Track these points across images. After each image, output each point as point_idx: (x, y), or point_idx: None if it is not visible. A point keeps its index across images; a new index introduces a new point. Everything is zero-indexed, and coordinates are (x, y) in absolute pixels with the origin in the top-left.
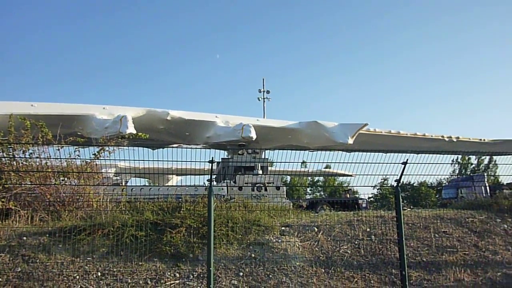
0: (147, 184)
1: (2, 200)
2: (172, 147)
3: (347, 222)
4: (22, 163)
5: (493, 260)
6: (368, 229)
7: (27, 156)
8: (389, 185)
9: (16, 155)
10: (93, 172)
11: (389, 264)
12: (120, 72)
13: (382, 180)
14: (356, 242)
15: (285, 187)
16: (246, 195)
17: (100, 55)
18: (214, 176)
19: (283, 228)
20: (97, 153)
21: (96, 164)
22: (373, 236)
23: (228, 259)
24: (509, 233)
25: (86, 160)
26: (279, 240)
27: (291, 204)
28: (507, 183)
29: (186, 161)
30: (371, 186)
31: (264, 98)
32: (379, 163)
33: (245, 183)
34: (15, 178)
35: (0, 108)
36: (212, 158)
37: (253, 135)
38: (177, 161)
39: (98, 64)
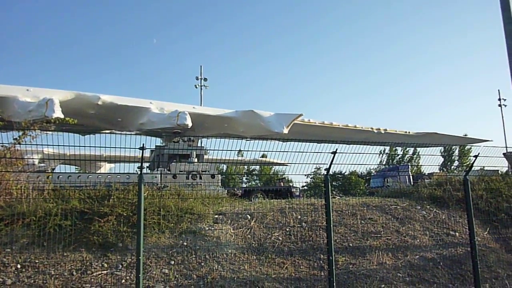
0: (75, 171)
1: None
2: (104, 133)
3: (279, 210)
4: None
5: (412, 244)
6: (299, 217)
7: None
8: (321, 174)
9: None
10: (13, 158)
11: (318, 250)
12: (53, 56)
13: (315, 170)
14: (287, 229)
15: (220, 176)
16: (181, 183)
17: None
18: (147, 164)
19: (216, 216)
20: (18, 138)
21: (17, 150)
22: (303, 223)
23: (160, 247)
24: (427, 219)
25: (6, 144)
26: (212, 228)
27: (226, 192)
28: (428, 173)
29: (116, 148)
30: (304, 175)
31: (201, 86)
32: (312, 152)
33: (180, 171)
34: None
35: None
36: (143, 144)
37: (189, 122)
38: (108, 147)
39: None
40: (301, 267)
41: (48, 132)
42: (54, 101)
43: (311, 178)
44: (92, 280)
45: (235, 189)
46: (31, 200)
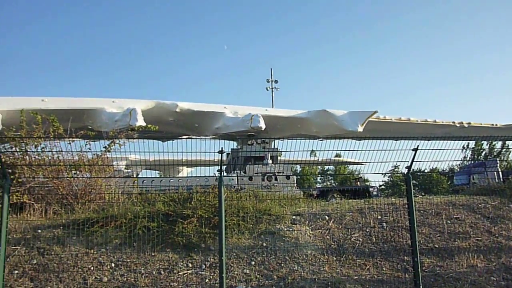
0: (157, 176)
1: (17, 194)
2: (182, 139)
3: (358, 210)
4: (34, 157)
5: (507, 246)
6: (379, 217)
7: (39, 150)
8: (400, 172)
9: (28, 150)
10: (104, 165)
11: (401, 251)
12: (130, 69)
13: (393, 168)
14: (367, 230)
15: (295, 176)
16: (256, 185)
17: (104, 49)
18: (224, 167)
19: (294, 217)
20: (108, 146)
21: (107, 157)
22: (384, 224)
23: (240, 248)
24: None
25: (97, 153)
26: (290, 229)
27: (302, 193)
28: None
29: (196, 152)
30: (382, 174)
31: (272, 88)
32: (389, 150)
33: (255, 173)
34: (28, 172)
35: (11, 104)
36: (222, 148)
37: (262, 125)
38: (187, 152)
39: (98, 57)
40: (384, 269)
41: (132, 140)
42: (137, 111)
43: (388, 177)
44: (179, 279)
45: (311, 189)
46: (120, 204)
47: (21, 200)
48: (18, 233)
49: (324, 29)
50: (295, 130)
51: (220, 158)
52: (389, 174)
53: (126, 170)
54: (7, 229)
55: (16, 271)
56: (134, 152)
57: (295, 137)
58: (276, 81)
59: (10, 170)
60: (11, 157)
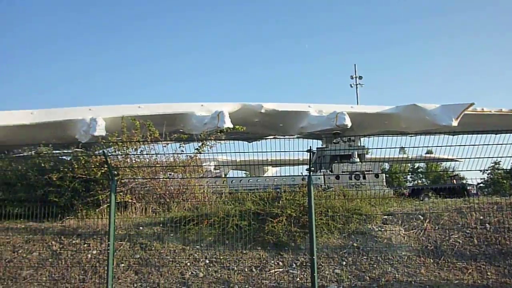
0: (244, 175)
1: (120, 194)
2: (267, 139)
3: (456, 209)
4: (134, 160)
5: None
6: (481, 217)
7: (138, 153)
8: (502, 168)
9: (129, 153)
10: (196, 166)
11: (509, 255)
12: (214, 73)
13: (493, 164)
14: (467, 231)
15: (384, 175)
16: (344, 183)
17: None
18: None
19: (385, 216)
20: (199, 148)
21: (198, 158)
22: (487, 225)
23: (330, 248)
24: None
25: (190, 154)
26: (382, 229)
27: (392, 192)
28: None
29: (283, 152)
30: (480, 171)
31: (356, 85)
32: (489, 144)
33: (342, 172)
34: (130, 174)
35: (113, 111)
36: (310, 147)
37: (348, 122)
38: (274, 152)
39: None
40: (488, 273)
41: (220, 141)
42: (224, 113)
43: (488, 174)
44: (270, 277)
45: (402, 188)
46: (212, 203)
47: (124, 199)
48: (122, 230)
49: (406, 18)
50: (383, 126)
51: (308, 157)
52: (489, 171)
53: (215, 171)
54: (115, 226)
55: (122, 264)
56: (223, 153)
57: (383, 134)
58: (360, 77)
59: (115, 172)
60: (114, 160)
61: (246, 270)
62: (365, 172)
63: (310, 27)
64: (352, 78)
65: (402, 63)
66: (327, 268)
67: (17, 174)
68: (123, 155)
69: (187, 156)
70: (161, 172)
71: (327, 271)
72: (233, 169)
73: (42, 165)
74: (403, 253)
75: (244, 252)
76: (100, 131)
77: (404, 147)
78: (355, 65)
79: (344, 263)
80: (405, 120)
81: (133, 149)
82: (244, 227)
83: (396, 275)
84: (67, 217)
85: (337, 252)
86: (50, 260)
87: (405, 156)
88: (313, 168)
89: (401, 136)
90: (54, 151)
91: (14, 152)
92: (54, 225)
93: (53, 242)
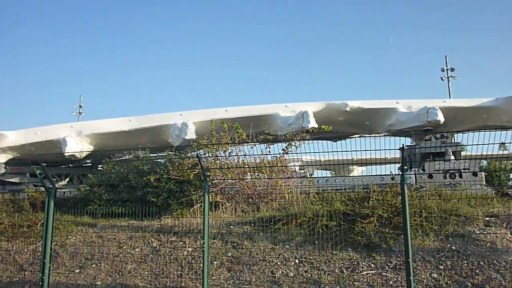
0: (329, 175)
1: (211, 194)
2: (353, 138)
3: None
4: (224, 161)
5: None
6: None
7: (227, 155)
8: None
9: (218, 155)
10: (282, 166)
11: None
12: (297, 71)
13: None
14: None
15: (483, 173)
16: (438, 183)
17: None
18: (398, 165)
19: (487, 218)
20: (285, 148)
21: (285, 159)
22: None
23: (425, 250)
24: None
25: (276, 155)
26: (484, 232)
27: (493, 191)
28: None
29: (372, 150)
30: None
31: (448, 77)
32: None
33: (435, 171)
34: (220, 175)
35: (201, 116)
36: (403, 145)
37: (441, 118)
38: (363, 150)
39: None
40: None
41: (305, 141)
42: (309, 113)
43: None
44: (361, 279)
45: (505, 187)
46: (300, 203)
47: (215, 200)
48: (214, 228)
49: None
50: (480, 121)
51: (401, 156)
52: None
53: (301, 171)
54: (209, 224)
55: (215, 262)
56: (309, 153)
57: (480, 128)
58: (452, 69)
59: (207, 173)
60: (205, 162)
61: (337, 271)
62: (462, 170)
63: (393, 20)
64: (443, 70)
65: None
66: (423, 272)
67: (120, 176)
68: (213, 157)
69: (273, 156)
70: (249, 173)
71: (423, 275)
72: (318, 169)
73: (141, 167)
74: (509, 258)
75: (334, 253)
76: (191, 134)
77: (505, 143)
78: (446, 56)
79: (441, 267)
80: (507, 113)
81: (222, 151)
82: (333, 227)
83: (503, 282)
84: (164, 216)
85: (433, 255)
86: (150, 256)
87: (507, 152)
88: (406, 167)
89: (502, 131)
90: (150, 155)
91: (115, 157)
92: (153, 223)
93: (152, 239)
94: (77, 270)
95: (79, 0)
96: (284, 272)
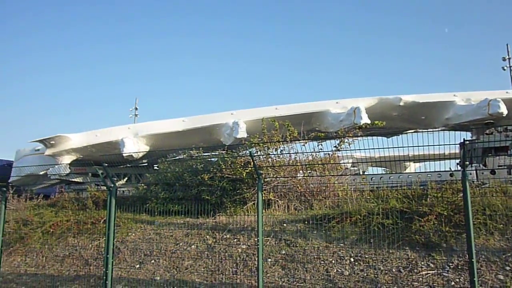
0: (383, 172)
1: (264, 192)
2: (408, 133)
3: None
4: (275, 159)
5: None
6: None
7: (278, 153)
8: None
9: (270, 153)
10: (333, 163)
11: None
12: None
13: None
14: None
15: None
16: (502, 179)
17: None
18: (457, 161)
19: None
20: (338, 145)
21: (337, 156)
22: None
23: (490, 250)
24: None
25: (328, 152)
26: None
27: None
28: None
29: (429, 146)
30: None
31: (510, 66)
32: None
33: (499, 166)
34: (272, 173)
35: (252, 114)
36: (464, 139)
37: (504, 110)
38: (420, 146)
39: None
40: None
41: (358, 138)
42: (361, 109)
43: None
44: (420, 279)
45: None
46: (353, 201)
47: (268, 197)
48: (268, 226)
49: None
50: None
51: (462, 151)
52: None
53: (353, 168)
54: (262, 222)
55: (269, 259)
56: (361, 150)
57: None
58: None
59: (260, 171)
60: (257, 160)
61: (394, 270)
62: None
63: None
64: (504, 60)
65: None
66: (487, 272)
67: (175, 175)
68: (265, 155)
69: (325, 154)
70: (301, 171)
71: (488, 276)
72: (371, 166)
73: (194, 166)
74: None
75: (391, 251)
76: (242, 133)
77: None
78: (507, 45)
79: (508, 268)
80: None
81: (274, 149)
82: (389, 225)
83: None
84: (218, 214)
85: (498, 255)
86: (206, 252)
87: None
88: (467, 163)
89: None
90: (204, 154)
91: (170, 156)
92: (207, 220)
93: (207, 237)
94: (137, 266)
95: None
96: (339, 270)
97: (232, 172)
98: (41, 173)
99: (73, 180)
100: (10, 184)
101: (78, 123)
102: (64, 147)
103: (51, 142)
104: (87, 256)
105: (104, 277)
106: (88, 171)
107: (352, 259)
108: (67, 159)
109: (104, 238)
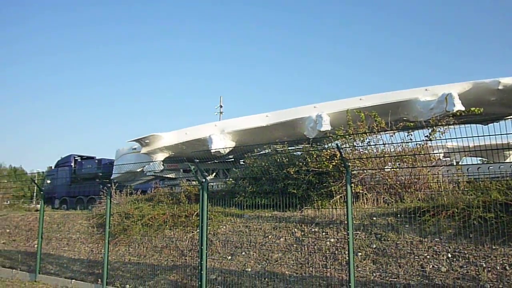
0: (480, 162)
1: (351, 185)
2: (508, 119)
3: None
4: (362, 151)
5: None
6: None
7: (365, 144)
8: None
9: (356, 145)
10: (423, 154)
11: None
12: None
13: None
14: None
15: None
16: None
17: None
18: None
19: None
20: (429, 135)
21: (429, 146)
22: None
23: None
24: None
25: (419, 143)
26: None
27: None
28: None
29: None
30: None
31: None
32: None
33: None
34: (359, 165)
35: (335, 107)
36: None
37: None
38: None
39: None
40: None
41: (451, 126)
42: (453, 95)
43: None
44: None
45: None
46: (449, 193)
47: (355, 190)
48: (356, 220)
49: None
50: None
51: None
52: None
53: (445, 159)
54: (352, 215)
55: (359, 253)
56: (456, 138)
57: None
58: None
59: (348, 164)
60: (343, 152)
61: (498, 268)
62: None
63: None
64: None
65: None
66: None
67: (261, 169)
68: (351, 147)
69: (415, 144)
70: (389, 162)
71: None
72: (466, 156)
73: (278, 160)
74: None
75: (494, 247)
76: (326, 126)
77: None
78: None
79: None
80: None
81: (360, 141)
82: (490, 219)
83: None
84: (305, 207)
85: None
86: (294, 245)
87: None
88: None
89: None
90: (288, 148)
91: (256, 151)
92: (294, 214)
93: (295, 230)
94: (229, 257)
95: None
96: (435, 266)
97: (318, 165)
98: (138, 170)
99: (166, 176)
100: (112, 181)
101: (168, 123)
102: (157, 145)
103: (146, 141)
104: (182, 247)
105: (199, 267)
106: (179, 168)
107: (449, 255)
108: (160, 157)
109: (197, 231)
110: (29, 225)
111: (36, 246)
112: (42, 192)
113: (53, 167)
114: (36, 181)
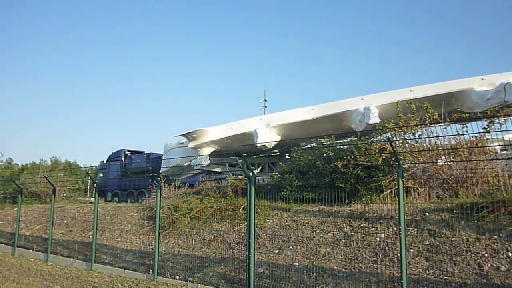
0: None
1: (402, 179)
2: None
3: None
4: (413, 144)
5: None
6: None
7: (416, 137)
8: None
9: (407, 138)
10: (482, 146)
11: None
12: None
13: None
14: None
15: None
16: None
17: None
18: None
19: None
20: (487, 127)
21: (487, 139)
22: None
23: None
24: None
25: (475, 135)
26: None
27: None
28: None
29: None
30: None
31: None
32: None
33: None
34: (410, 159)
35: (384, 98)
36: None
37: None
38: None
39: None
40: None
41: (509, 117)
42: None
43: None
44: None
45: None
46: (508, 188)
47: (407, 185)
48: (408, 215)
49: None
50: None
51: None
52: None
53: (503, 152)
54: (404, 210)
55: (411, 250)
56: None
57: None
58: None
59: (400, 157)
60: (394, 146)
61: None
62: None
63: None
64: None
65: None
66: None
67: (308, 163)
68: (402, 140)
69: (471, 137)
70: (443, 156)
71: None
72: None
73: (325, 154)
74: None
75: None
76: (374, 118)
77: None
78: None
79: None
80: None
81: (411, 133)
82: None
83: None
84: (354, 202)
85: None
86: (343, 240)
87: None
88: None
89: None
90: (336, 141)
91: (302, 145)
92: (342, 209)
93: (343, 225)
94: (276, 251)
95: None
96: (494, 265)
97: (367, 159)
98: (185, 164)
99: (213, 170)
100: (161, 174)
101: (215, 118)
102: (204, 140)
103: (193, 135)
104: (229, 241)
105: (247, 261)
106: (225, 162)
107: (510, 253)
108: (207, 151)
109: (244, 224)
110: (84, 216)
111: (91, 236)
112: (96, 185)
113: (105, 162)
114: (90, 175)
